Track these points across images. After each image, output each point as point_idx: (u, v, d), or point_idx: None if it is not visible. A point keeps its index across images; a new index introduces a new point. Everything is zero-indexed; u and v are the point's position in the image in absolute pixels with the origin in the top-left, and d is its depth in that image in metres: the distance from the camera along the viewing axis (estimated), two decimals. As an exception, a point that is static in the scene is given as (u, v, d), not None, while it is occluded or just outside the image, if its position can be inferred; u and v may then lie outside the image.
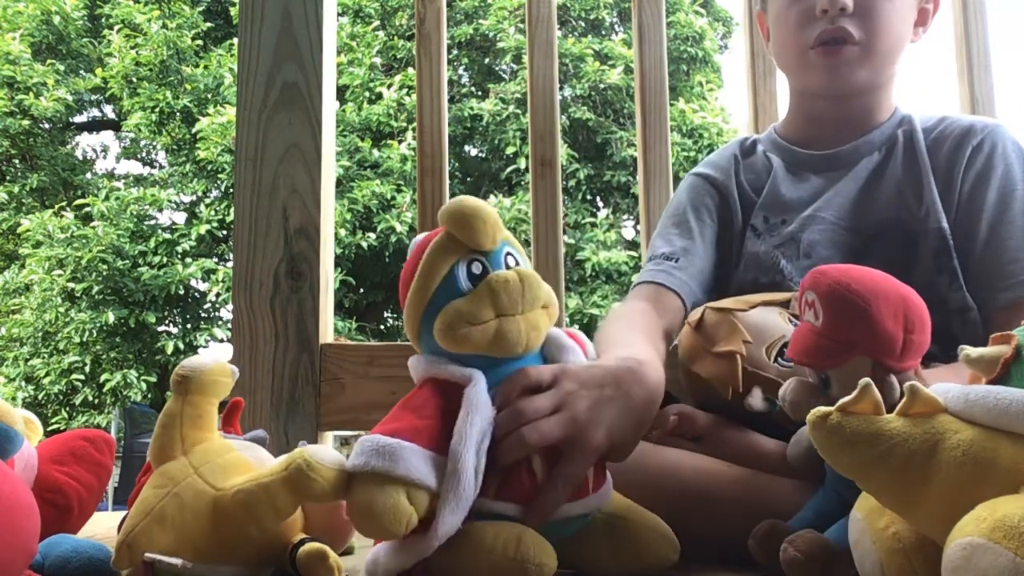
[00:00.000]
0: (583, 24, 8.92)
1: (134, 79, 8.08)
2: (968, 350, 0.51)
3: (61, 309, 7.50)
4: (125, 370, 7.42)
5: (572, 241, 7.63)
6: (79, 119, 9.05)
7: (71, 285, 7.36)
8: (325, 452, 0.57)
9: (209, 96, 7.93)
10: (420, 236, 0.71)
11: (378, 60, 8.25)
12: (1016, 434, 0.46)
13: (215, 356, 0.67)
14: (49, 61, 8.23)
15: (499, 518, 0.60)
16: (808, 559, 0.56)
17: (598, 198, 8.48)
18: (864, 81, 1.02)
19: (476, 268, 0.62)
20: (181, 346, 7.61)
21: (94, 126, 9.35)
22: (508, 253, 0.65)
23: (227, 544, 0.58)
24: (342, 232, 7.16)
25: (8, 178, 8.37)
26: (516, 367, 0.63)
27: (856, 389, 0.48)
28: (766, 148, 1.14)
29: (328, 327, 1.27)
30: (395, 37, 8.43)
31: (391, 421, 0.59)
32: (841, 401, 0.48)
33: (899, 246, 0.97)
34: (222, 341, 7.91)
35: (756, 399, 0.75)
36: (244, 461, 0.63)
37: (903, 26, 1.02)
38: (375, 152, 7.69)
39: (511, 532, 0.58)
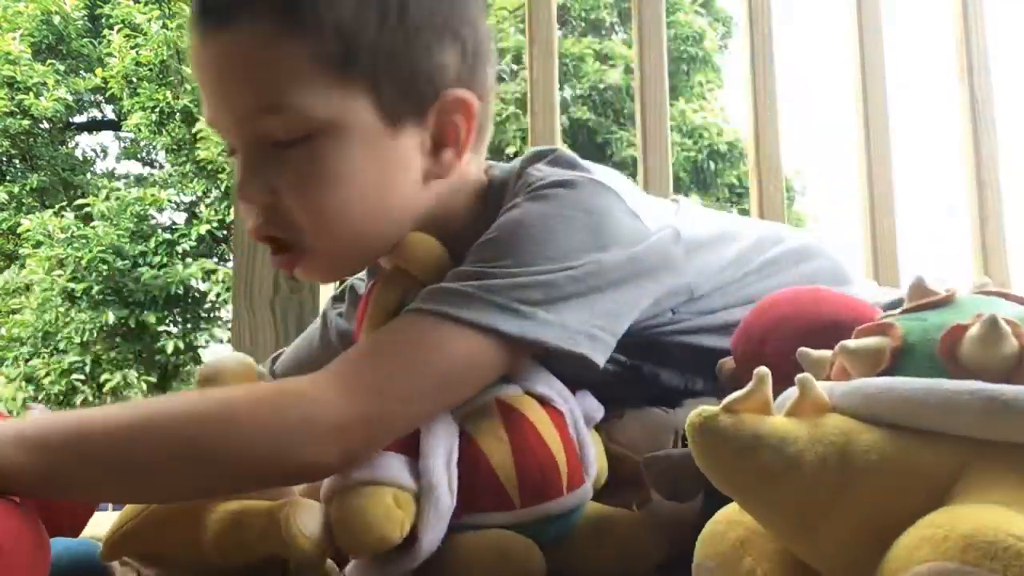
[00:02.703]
0: (583, 24, 8.93)
1: (134, 79, 8.08)
2: (847, 343, 0.43)
3: (61, 309, 7.50)
4: (125, 370, 7.42)
5: (572, 241, 7.63)
6: (79, 119, 9.06)
7: (71, 285, 7.37)
8: (310, 514, 0.55)
9: (209, 96, 7.94)
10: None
11: (378, 60, 8.25)
12: (929, 432, 0.38)
13: (239, 355, 0.65)
14: (49, 61, 8.23)
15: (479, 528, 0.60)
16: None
17: (598, 198, 8.48)
18: (331, 276, 0.76)
19: None
20: (181, 346, 7.62)
21: (94, 126, 9.36)
22: None
23: (214, 555, 0.57)
24: (342, 232, 7.15)
25: (8, 178, 8.38)
26: None
27: (752, 380, 0.38)
28: None
29: (328, 327, 1.27)
30: (395, 37, 8.43)
31: None
32: (729, 398, 0.38)
33: None
34: (222, 341, 7.91)
35: None
36: None
37: (378, 187, 0.64)
38: (375, 152, 7.68)
39: (496, 539, 0.58)
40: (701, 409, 0.38)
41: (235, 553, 0.56)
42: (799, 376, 0.39)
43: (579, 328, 0.60)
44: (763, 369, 0.38)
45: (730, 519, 0.42)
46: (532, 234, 0.62)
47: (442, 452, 0.58)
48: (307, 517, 0.54)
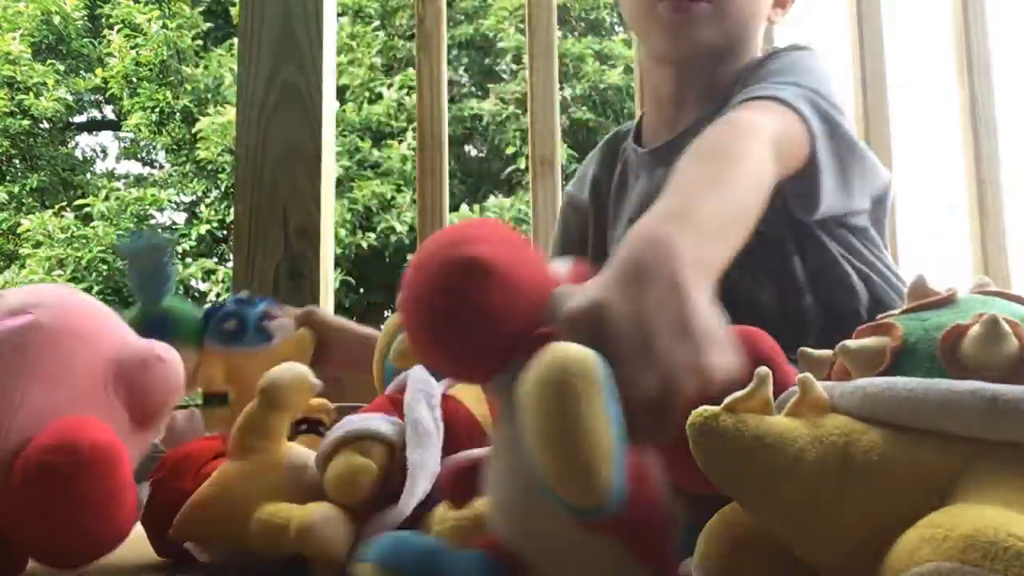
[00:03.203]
0: (583, 24, 8.92)
1: (134, 79, 8.07)
2: (847, 343, 0.43)
3: (61, 309, 7.49)
4: (125, 370, 7.42)
5: (572, 241, 7.63)
6: (79, 119, 9.05)
7: (71, 285, 7.36)
8: (332, 525, 0.61)
9: (209, 96, 7.93)
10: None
11: (378, 60, 8.25)
12: (929, 432, 0.38)
13: (295, 367, 0.69)
14: (49, 61, 8.22)
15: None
16: None
17: (598, 198, 8.47)
18: (712, 45, 0.90)
19: None
20: (181, 346, 7.61)
21: (94, 126, 9.35)
22: None
23: (257, 546, 0.63)
24: (342, 232, 7.16)
25: (8, 178, 8.37)
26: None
27: (753, 380, 0.38)
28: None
29: (328, 327, 1.26)
30: (395, 37, 8.42)
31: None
32: (732, 397, 0.38)
33: None
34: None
35: None
36: (283, 484, 0.66)
37: (764, 5, 0.93)
38: (375, 152, 7.68)
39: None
40: (702, 409, 0.38)
41: (272, 548, 0.62)
42: (800, 376, 0.39)
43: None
44: (764, 369, 0.38)
45: (729, 519, 0.41)
46: (804, 67, 0.85)
47: (422, 397, 0.63)
48: (328, 528, 0.60)
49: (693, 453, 0.38)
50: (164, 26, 8.07)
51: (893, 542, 0.35)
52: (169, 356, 0.72)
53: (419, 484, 0.58)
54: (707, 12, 0.88)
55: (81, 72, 8.60)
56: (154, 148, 8.91)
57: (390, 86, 7.98)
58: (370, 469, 0.59)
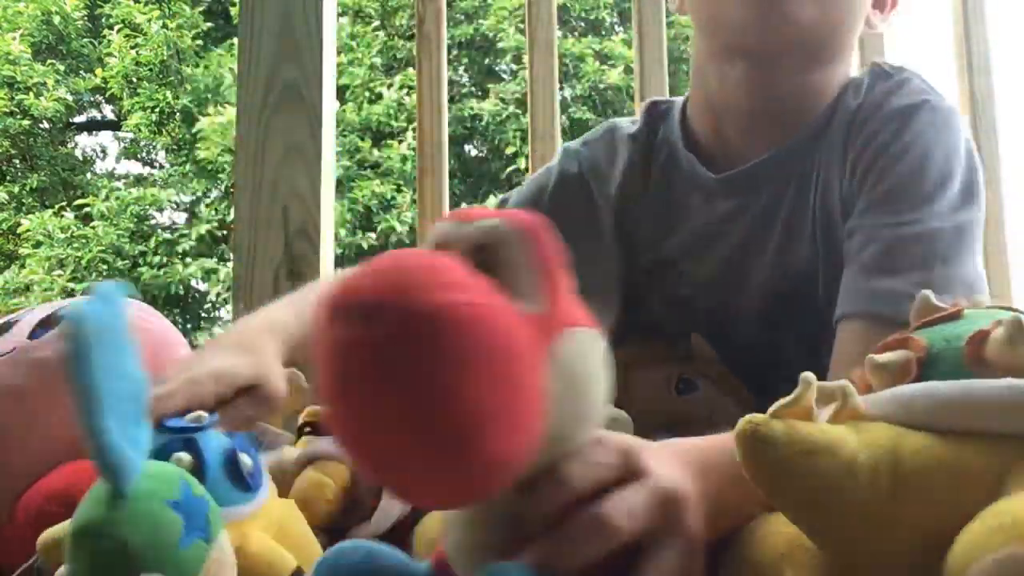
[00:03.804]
0: (583, 24, 8.92)
1: (134, 79, 8.07)
2: (874, 356, 0.42)
3: (61, 309, 7.49)
4: (125, 370, 7.41)
5: (572, 241, 7.62)
6: (79, 119, 9.05)
7: (71, 285, 7.35)
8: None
9: (209, 96, 7.93)
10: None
11: (378, 60, 8.25)
12: (970, 433, 0.38)
13: (286, 370, 0.68)
14: (49, 61, 8.22)
15: None
16: None
17: (598, 198, 8.47)
18: (811, 29, 0.72)
19: None
20: (181, 346, 7.61)
21: (94, 126, 9.35)
22: None
23: None
24: (342, 232, 7.16)
25: (8, 178, 8.37)
26: None
27: (799, 385, 0.38)
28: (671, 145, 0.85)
29: (328, 327, 1.26)
30: (395, 37, 8.42)
31: None
32: (776, 405, 0.37)
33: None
34: (222, 341, 7.90)
35: None
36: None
37: (862, 4, 0.77)
38: (375, 152, 7.68)
39: None
40: (749, 417, 0.37)
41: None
42: (839, 384, 0.39)
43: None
44: (808, 375, 0.38)
45: (772, 529, 0.42)
46: (933, 175, 0.68)
47: None
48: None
49: (741, 464, 0.37)
50: (164, 26, 8.07)
51: (948, 543, 0.35)
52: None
53: (396, 504, 0.58)
54: None
55: (81, 72, 8.60)
56: (154, 148, 8.92)
57: (390, 86, 7.98)
58: (329, 487, 0.60)
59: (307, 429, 0.72)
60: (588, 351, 0.39)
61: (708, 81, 0.81)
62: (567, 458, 0.40)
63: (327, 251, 1.27)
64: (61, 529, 0.47)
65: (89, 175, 8.98)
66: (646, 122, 0.89)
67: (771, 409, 0.37)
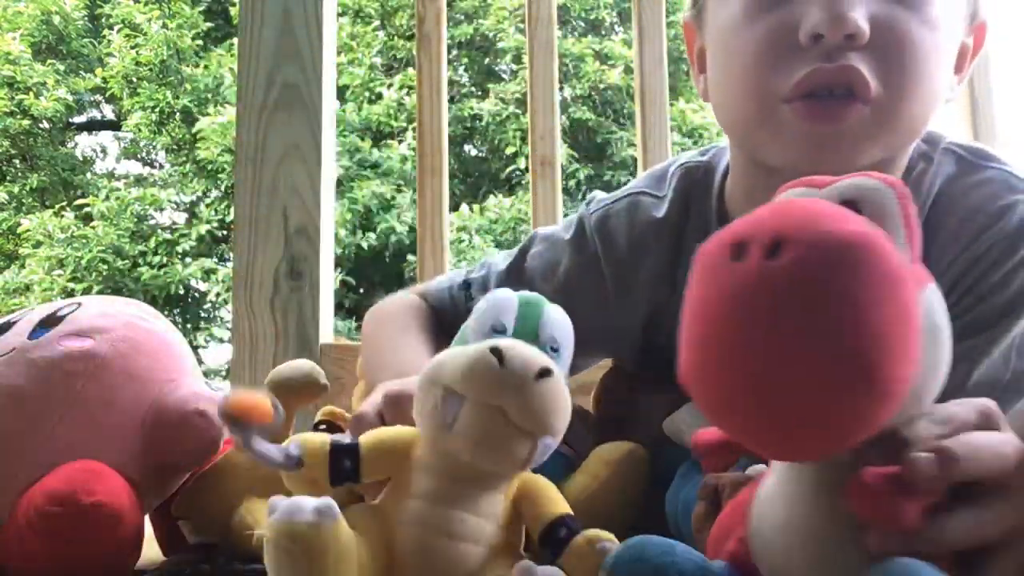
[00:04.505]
0: (583, 24, 8.92)
1: (134, 79, 8.07)
2: None
3: (61, 309, 7.49)
4: (125, 370, 7.41)
5: (572, 241, 7.62)
6: (79, 119, 9.05)
7: (71, 285, 7.36)
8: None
9: (209, 96, 7.93)
10: None
11: (378, 60, 8.25)
12: None
13: (302, 364, 0.68)
14: (49, 61, 8.22)
15: None
16: None
17: (598, 198, 8.46)
18: (872, 163, 0.59)
19: None
20: (181, 346, 7.61)
21: (94, 126, 9.35)
22: None
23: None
24: (342, 232, 7.16)
25: (8, 178, 8.37)
26: None
27: None
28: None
29: (328, 327, 1.27)
30: (395, 37, 8.42)
31: None
32: None
33: None
34: (222, 341, 7.91)
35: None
36: (275, 477, 0.66)
37: (942, 72, 0.63)
38: (375, 152, 7.68)
39: None
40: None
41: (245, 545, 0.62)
42: None
43: None
44: None
45: None
46: None
47: None
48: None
49: None
50: (164, 26, 8.07)
51: None
52: (214, 412, 0.68)
53: None
54: (864, 120, 0.59)
55: (81, 72, 8.60)
56: (154, 148, 8.91)
57: (390, 86, 7.98)
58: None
59: (323, 427, 0.73)
60: (941, 307, 0.38)
61: (755, 190, 0.69)
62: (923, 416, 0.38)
63: (327, 251, 1.27)
64: None
65: (89, 175, 8.98)
66: (679, 197, 0.76)
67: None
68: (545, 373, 0.45)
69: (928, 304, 0.37)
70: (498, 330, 0.50)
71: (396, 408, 0.54)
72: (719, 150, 0.78)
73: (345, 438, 0.51)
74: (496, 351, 0.45)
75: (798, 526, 0.39)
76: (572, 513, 0.48)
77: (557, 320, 0.53)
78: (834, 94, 0.59)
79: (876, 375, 0.32)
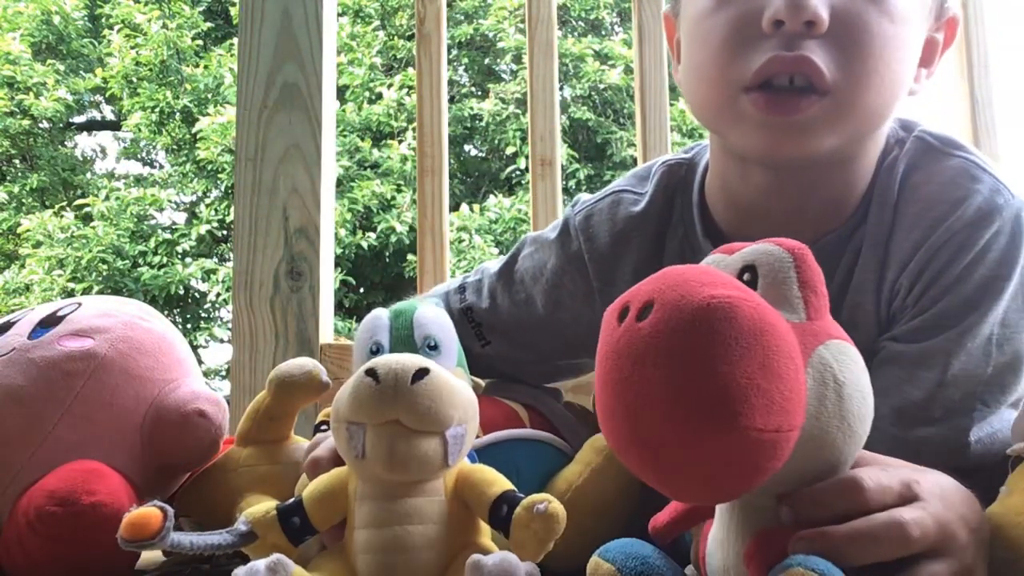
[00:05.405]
0: (583, 24, 8.92)
1: (134, 79, 8.07)
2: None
3: (61, 309, 7.48)
4: (125, 370, 7.40)
5: (572, 241, 7.61)
6: (79, 119, 9.05)
7: (71, 285, 7.35)
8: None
9: (209, 96, 7.93)
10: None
11: (378, 60, 8.25)
12: None
13: (304, 362, 0.68)
14: (49, 61, 8.22)
15: None
16: None
17: (598, 198, 8.46)
18: (831, 153, 0.63)
19: None
20: (181, 346, 7.60)
21: (94, 126, 9.35)
22: None
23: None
24: (342, 232, 7.16)
25: (8, 178, 8.37)
26: None
27: None
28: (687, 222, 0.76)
29: (328, 327, 1.27)
30: (395, 37, 8.42)
31: None
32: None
33: None
34: (222, 341, 7.91)
35: None
36: (275, 475, 0.67)
37: (903, 66, 0.64)
38: (375, 152, 7.68)
39: None
40: None
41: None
42: None
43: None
44: None
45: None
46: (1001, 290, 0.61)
47: None
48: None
49: None
50: (164, 26, 8.07)
51: None
52: (214, 412, 0.69)
53: None
54: (821, 112, 0.60)
55: (81, 72, 8.60)
56: (154, 148, 8.92)
57: (390, 86, 7.98)
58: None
59: (324, 427, 0.73)
60: (848, 361, 0.42)
61: (728, 177, 0.72)
62: (847, 470, 0.42)
63: (327, 251, 1.27)
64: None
65: (89, 175, 8.98)
66: (660, 193, 0.78)
67: None
68: (420, 374, 0.48)
69: (822, 359, 0.40)
70: (375, 351, 0.54)
71: (316, 471, 0.58)
72: (703, 147, 0.80)
73: (291, 499, 0.53)
74: (371, 372, 0.48)
75: (729, 567, 0.43)
76: (513, 489, 0.49)
77: (428, 318, 0.56)
78: (794, 84, 0.60)
79: (733, 424, 0.35)
